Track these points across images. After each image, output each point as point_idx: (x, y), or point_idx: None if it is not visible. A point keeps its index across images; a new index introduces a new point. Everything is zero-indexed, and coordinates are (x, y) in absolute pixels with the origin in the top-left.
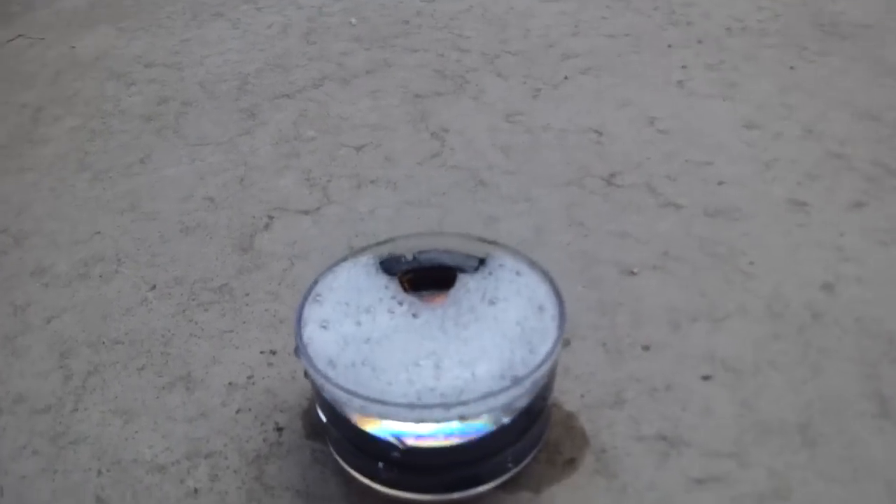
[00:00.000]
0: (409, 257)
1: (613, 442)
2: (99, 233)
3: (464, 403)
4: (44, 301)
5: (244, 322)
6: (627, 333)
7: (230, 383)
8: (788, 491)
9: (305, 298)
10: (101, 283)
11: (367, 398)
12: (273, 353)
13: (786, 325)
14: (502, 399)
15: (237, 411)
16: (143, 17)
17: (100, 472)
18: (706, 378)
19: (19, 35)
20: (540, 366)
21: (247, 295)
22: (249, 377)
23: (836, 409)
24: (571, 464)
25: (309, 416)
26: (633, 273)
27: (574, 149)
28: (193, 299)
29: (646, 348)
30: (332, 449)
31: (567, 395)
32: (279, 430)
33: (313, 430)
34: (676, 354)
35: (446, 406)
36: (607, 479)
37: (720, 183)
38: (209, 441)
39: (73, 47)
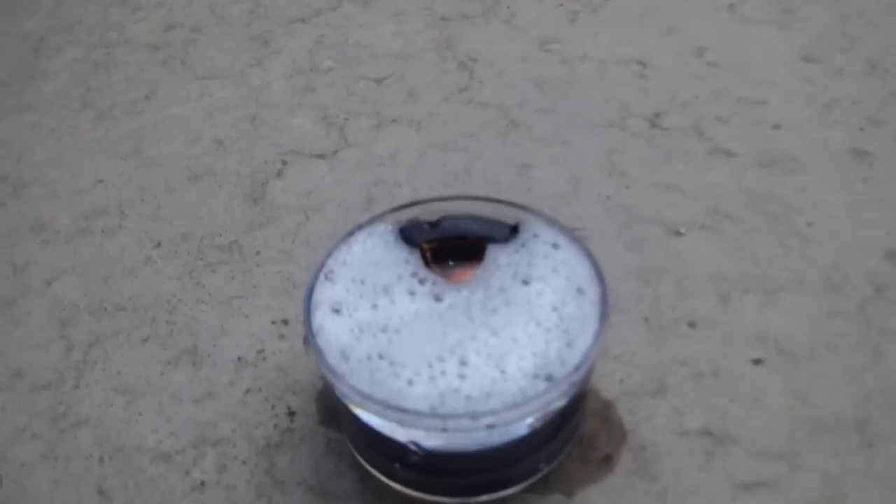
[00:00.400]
0: (433, 222)
1: (654, 437)
2: (102, 181)
3: (493, 413)
4: (44, 260)
5: (254, 286)
6: (672, 307)
7: (239, 358)
8: (843, 498)
9: (315, 277)
10: (104, 238)
11: (385, 404)
12: (285, 322)
13: (845, 300)
14: (536, 405)
15: (246, 391)
16: None
17: (101, 461)
18: (757, 362)
19: None
20: (579, 367)
21: (257, 254)
22: (260, 351)
23: None
24: (607, 462)
25: (323, 399)
26: (679, 233)
27: (615, 83)
28: (201, 259)
29: (692, 325)
30: (348, 442)
31: (605, 381)
32: (291, 414)
33: (328, 414)
34: (725, 333)
35: (474, 416)
36: (646, 482)
37: (775, 126)
38: (217, 426)
39: None
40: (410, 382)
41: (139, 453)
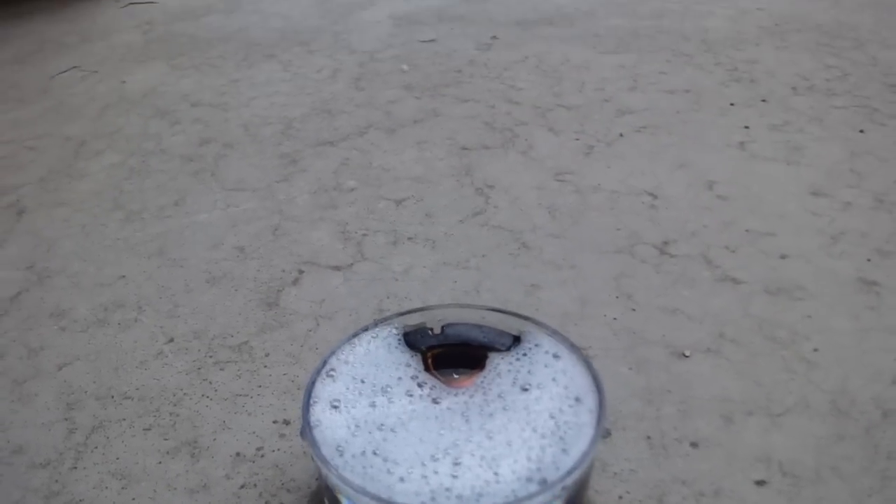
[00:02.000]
0: (437, 330)
1: None
2: (123, 277)
3: None
4: (58, 346)
5: (260, 386)
6: (674, 426)
7: (238, 454)
8: None
9: (318, 373)
10: (119, 330)
11: (376, 497)
12: (286, 423)
13: (852, 423)
14: None
15: (241, 486)
16: (196, 56)
17: None
18: (760, 483)
19: (74, 66)
20: (572, 471)
21: (266, 356)
22: (259, 448)
23: None
24: None
25: (317, 498)
26: (684, 356)
27: (626, 213)
28: (210, 356)
29: (694, 445)
30: None
31: (604, 496)
32: None
33: None
34: (728, 454)
35: None
36: None
37: (783, 256)
38: None
39: (124, 82)
40: (402, 479)
41: None
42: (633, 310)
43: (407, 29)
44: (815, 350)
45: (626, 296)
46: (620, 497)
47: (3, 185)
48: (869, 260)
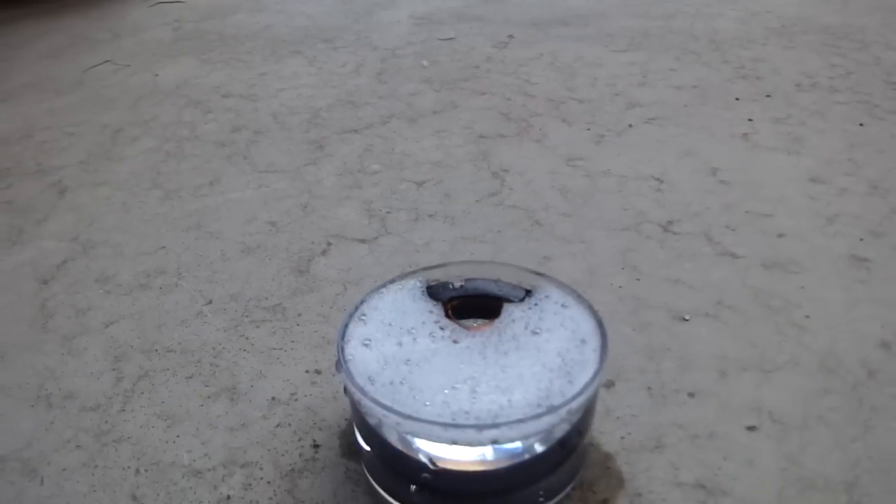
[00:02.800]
0: (457, 284)
1: (650, 486)
2: (163, 247)
3: (496, 426)
4: (104, 307)
5: (293, 341)
6: (673, 379)
7: (273, 398)
8: None
9: (350, 316)
10: (161, 294)
11: (402, 414)
12: (318, 372)
13: (839, 380)
14: (536, 425)
15: (277, 425)
16: (225, 51)
17: (138, 472)
18: (751, 429)
19: (106, 61)
20: (577, 395)
21: (298, 315)
22: (292, 394)
23: (885, 469)
24: None
25: (346, 436)
26: (684, 319)
27: (633, 195)
28: (247, 316)
29: (691, 395)
30: (365, 469)
31: (607, 437)
32: (316, 446)
33: (349, 449)
34: (722, 403)
35: (479, 428)
36: None
37: (780, 235)
38: (246, 451)
39: (156, 75)
40: (427, 404)
41: (173, 468)
42: (638, 280)
43: (427, 28)
44: (807, 317)
45: (631, 267)
46: (622, 437)
47: (45, 166)
48: (861, 240)
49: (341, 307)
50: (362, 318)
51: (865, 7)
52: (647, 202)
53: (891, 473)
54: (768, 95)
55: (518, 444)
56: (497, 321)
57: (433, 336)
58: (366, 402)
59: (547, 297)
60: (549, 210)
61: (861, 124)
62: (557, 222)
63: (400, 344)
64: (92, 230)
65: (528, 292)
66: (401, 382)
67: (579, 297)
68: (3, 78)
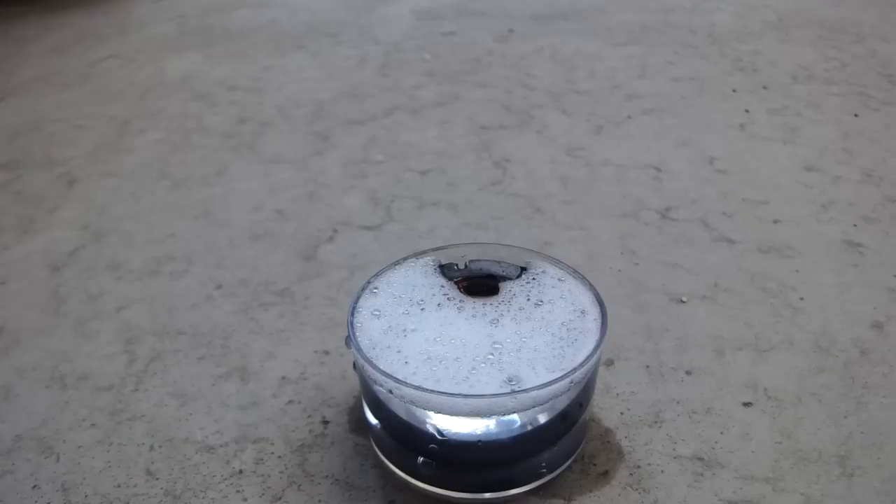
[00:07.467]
0: (462, 265)
1: (649, 459)
2: (173, 235)
3: (525, 391)
4: (116, 292)
5: (301, 323)
6: (671, 358)
7: (283, 377)
8: None
9: (363, 289)
10: (171, 279)
11: (408, 385)
12: (326, 352)
13: (832, 359)
14: (543, 394)
15: (287, 403)
16: (229, 46)
17: (152, 448)
18: (747, 405)
19: (112, 55)
20: (588, 358)
21: (306, 299)
22: (302, 373)
23: (877, 443)
24: (605, 476)
25: (355, 413)
26: (681, 301)
27: (632, 183)
28: (256, 300)
29: (688, 373)
30: (373, 443)
31: (606, 412)
32: (325, 422)
33: (358, 425)
34: (718, 380)
35: (513, 394)
36: (639, 494)
37: (775, 221)
38: (258, 428)
39: (162, 69)
40: (447, 370)
41: (186, 444)
42: (637, 264)
43: (428, 23)
44: (801, 299)
45: (630, 252)
46: (622, 413)
47: (54, 158)
48: (855, 225)
49: (348, 291)
50: (374, 291)
51: (861, 1)
52: (645, 190)
53: (882, 447)
54: (765, 87)
55: (522, 415)
56: (498, 298)
57: (440, 306)
58: (371, 371)
59: (543, 272)
60: (549, 198)
61: (856, 115)
62: (558, 209)
63: (407, 313)
64: (102, 219)
65: (524, 269)
66: (397, 352)
67: (574, 272)
68: (12, 72)
